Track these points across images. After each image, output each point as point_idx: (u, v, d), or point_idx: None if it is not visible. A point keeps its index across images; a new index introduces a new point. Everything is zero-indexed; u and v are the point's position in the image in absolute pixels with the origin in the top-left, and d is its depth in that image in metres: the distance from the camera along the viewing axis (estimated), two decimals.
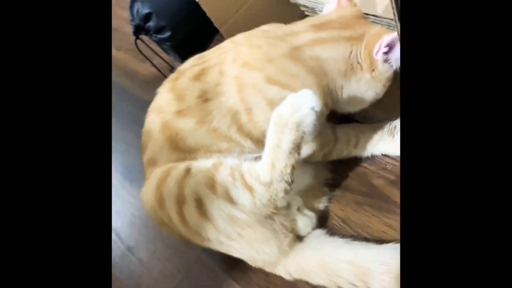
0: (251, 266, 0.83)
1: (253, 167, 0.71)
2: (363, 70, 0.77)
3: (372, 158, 0.85)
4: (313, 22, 0.79)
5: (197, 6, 0.98)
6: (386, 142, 0.83)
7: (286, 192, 0.70)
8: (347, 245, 0.75)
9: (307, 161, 0.85)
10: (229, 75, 0.77)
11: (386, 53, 0.74)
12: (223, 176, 0.70)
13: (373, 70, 0.76)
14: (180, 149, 0.77)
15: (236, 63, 0.77)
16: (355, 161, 0.86)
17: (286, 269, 0.77)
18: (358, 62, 0.77)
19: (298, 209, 0.80)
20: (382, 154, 0.84)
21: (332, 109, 0.82)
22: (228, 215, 0.71)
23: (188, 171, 0.71)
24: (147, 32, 1.19)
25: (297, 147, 0.67)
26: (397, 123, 0.82)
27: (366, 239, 0.78)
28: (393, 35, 0.71)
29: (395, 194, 0.79)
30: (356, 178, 0.85)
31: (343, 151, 0.84)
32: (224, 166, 0.71)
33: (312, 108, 0.65)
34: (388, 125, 0.83)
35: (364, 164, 0.86)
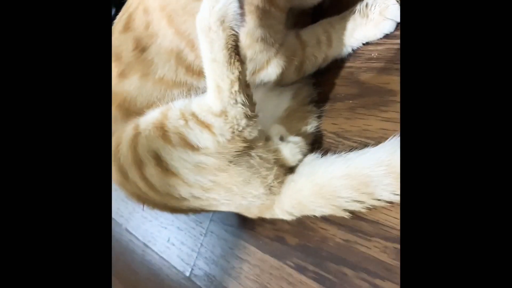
0: (258, 221, 0.71)
1: (203, 100, 0.59)
2: None
3: (354, 53, 0.69)
4: None
5: None
6: (362, 27, 0.67)
7: (248, 117, 0.58)
8: (339, 159, 0.61)
9: (284, 84, 0.72)
10: (154, 9, 0.65)
11: None
12: (173, 121, 0.59)
13: None
14: (133, 113, 0.68)
15: None
16: (337, 65, 0.71)
17: (283, 208, 0.64)
18: None
19: (281, 138, 0.67)
20: (363, 44, 0.68)
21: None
22: (193, 164, 0.60)
23: (136, 129, 0.62)
24: None
25: (235, 53, 0.54)
26: (367, 0, 0.66)
27: (367, 145, 0.63)
28: None
29: (388, 82, 0.64)
30: (342, 83, 0.70)
31: (317, 57, 0.69)
32: (172, 111, 0.60)
33: None
34: (358, 6, 0.67)
35: (348, 64, 0.70)
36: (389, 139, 0.57)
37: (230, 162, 0.61)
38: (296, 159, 0.66)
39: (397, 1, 0.62)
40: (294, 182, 0.63)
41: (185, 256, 0.87)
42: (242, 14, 0.53)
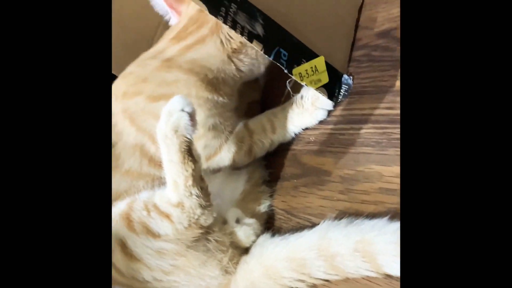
0: None
1: (164, 193, 0.68)
2: (245, 45, 0.73)
3: (296, 137, 0.79)
4: (171, 36, 0.78)
5: None
6: (299, 115, 0.76)
7: (203, 206, 0.66)
8: (283, 241, 0.68)
9: (237, 168, 0.81)
10: (117, 112, 0.76)
11: None
12: (137, 212, 0.67)
13: None
14: None
15: (117, 98, 0.76)
16: (283, 148, 0.80)
17: (238, 287, 0.70)
18: (233, 45, 0.74)
19: (237, 221, 0.75)
20: (303, 129, 0.78)
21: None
22: (155, 250, 0.67)
23: None
24: None
25: (188, 155, 0.63)
26: (303, 92, 0.76)
27: (310, 221, 0.70)
28: None
29: (324, 163, 0.72)
30: (288, 164, 0.79)
31: (263, 142, 0.79)
32: (137, 202, 0.69)
33: (182, 110, 0.62)
34: (294, 98, 0.77)
35: (292, 147, 0.80)
36: (320, 223, 0.64)
37: (188, 247, 0.68)
38: (250, 240, 0.73)
39: (323, 95, 0.71)
40: (247, 264, 0.70)
41: None
42: (193, 125, 0.63)
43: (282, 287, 0.66)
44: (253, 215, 0.77)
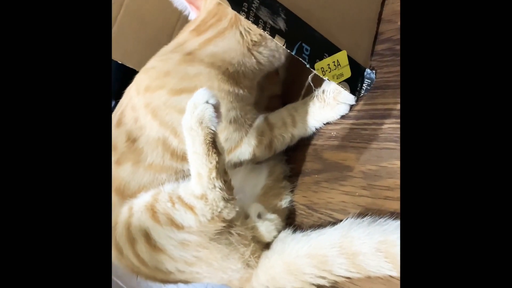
0: None
1: (188, 185, 0.68)
2: (265, 37, 0.73)
3: (318, 132, 0.78)
4: (191, 28, 0.79)
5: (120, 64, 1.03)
6: (320, 110, 0.76)
7: (226, 199, 0.66)
8: (304, 237, 0.68)
9: (258, 163, 0.81)
10: (140, 106, 0.77)
11: None
12: (162, 204, 0.68)
13: None
14: (127, 196, 0.77)
15: (140, 92, 0.77)
16: (304, 143, 0.80)
17: (259, 282, 0.71)
18: (252, 37, 0.73)
19: (259, 216, 0.75)
20: (324, 124, 0.77)
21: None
22: (178, 241, 0.68)
23: (130, 210, 0.71)
24: None
25: (213, 147, 0.63)
26: (324, 86, 0.75)
27: (331, 216, 0.70)
28: None
29: (346, 158, 0.72)
30: (309, 159, 0.79)
31: (284, 137, 0.78)
32: (162, 194, 0.69)
33: (207, 102, 0.62)
34: (316, 92, 0.76)
35: (313, 142, 0.79)
36: (342, 221, 0.64)
37: (211, 239, 0.69)
38: (271, 235, 0.73)
39: (346, 90, 0.71)
40: (268, 259, 0.70)
41: None
42: (218, 116, 0.63)
43: (303, 283, 0.66)
44: (275, 210, 0.77)
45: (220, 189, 0.65)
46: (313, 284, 0.66)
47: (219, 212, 0.66)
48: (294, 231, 0.72)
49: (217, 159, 0.64)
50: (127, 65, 1.07)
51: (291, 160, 0.81)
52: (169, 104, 0.73)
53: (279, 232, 0.74)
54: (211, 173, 0.64)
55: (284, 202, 0.78)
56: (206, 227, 0.67)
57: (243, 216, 0.74)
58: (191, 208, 0.66)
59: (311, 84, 0.73)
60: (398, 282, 0.58)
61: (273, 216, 0.75)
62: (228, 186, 0.66)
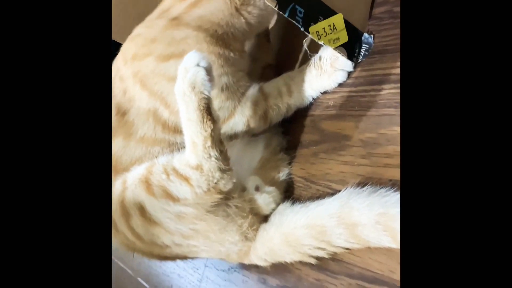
0: (245, 265, 0.77)
1: (182, 156, 0.66)
2: None
3: (315, 101, 0.76)
4: None
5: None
6: (317, 78, 0.73)
7: (222, 170, 0.63)
8: (302, 209, 0.66)
9: (254, 135, 0.78)
10: (128, 76, 0.73)
11: None
12: (157, 176, 0.65)
13: None
14: (119, 170, 0.74)
15: (127, 61, 0.73)
16: (301, 114, 0.77)
17: (258, 255, 0.69)
18: None
19: (257, 188, 0.73)
20: (321, 93, 0.74)
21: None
22: (174, 214, 0.66)
23: (124, 184, 0.69)
24: None
25: (207, 113, 0.60)
26: (321, 53, 0.72)
27: (330, 187, 0.68)
28: None
29: (344, 127, 0.69)
30: (306, 130, 0.76)
31: (279, 107, 0.75)
32: (156, 166, 0.66)
33: (198, 65, 0.59)
34: (312, 60, 0.73)
35: (310, 112, 0.76)
36: (341, 191, 0.62)
37: (208, 211, 0.67)
38: (270, 208, 0.71)
39: (343, 55, 0.67)
40: (266, 232, 0.69)
41: None
42: (210, 80, 0.60)
43: (302, 255, 0.64)
44: (273, 183, 0.74)
45: (216, 159, 0.62)
46: (312, 256, 0.64)
47: (215, 183, 0.64)
48: (293, 203, 0.70)
49: (212, 126, 0.61)
50: (118, 42, 1.04)
51: (288, 132, 0.79)
52: (157, 72, 0.70)
53: (277, 204, 0.72)
54: (206, 142, 0.61)
55: (281, 175, 0.76)
56: (202, 199, 0.65)
57: (240, 189, 0.72)
58: (186, 179, 0.64)
59: (307, 49, 0.70)
60: (399, 253, 0.56)
61: (271, 188, 0.73)
62: (224, 156, 0.64)
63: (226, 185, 0.65)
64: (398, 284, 0.55)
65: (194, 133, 0.61)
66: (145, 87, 0.71)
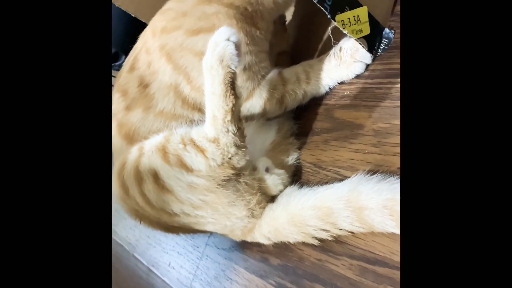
0: (247, 244, 0.78)
1: (201, 128, 0.68)
2: None
3: (330, 92, 0.78)
4: None
5: (133, 18, 1.02)
6: (336, 68, 0.75)
7: (237, 146, 0.66)
8: (310, 191, 0.68)
9: (267, 118, 0.80)
10: (154, 49, 0.75)
11: None
12: (174, 145, 0.67)
13: None
14: (137, 141, 0.75)
15: (155, 34, 0.75)
16: (316, 102, 0.79)
17: (262, 232, 0.71)
18: None
19: (267, 170, 0.75)
20: (338, 83, 0.76)
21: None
22: (187, 183, 0.68)
23: (141, 150, 0.70)
24: None
25: (231, 88, 0.62)
26: (341, 44, 0.74)
27: (339, 174, 0.70)
28: None
29: (357, 117, 0.71)
30: (320, 118, 0.78)
31: (296, 93, 0.77)
32: (174, 135, 0.68)
33: (228, 39, 0.61)
34: (333, 50, 0.75)
35: (324, 101, 0.79)
36: (351, 177, 0.64)
37: (219, 185, 0.68)
38: (278, 189, 0.73)
39: (364, 46, 0.70)
40: (273, 211, 0.70)
41: (184, 279, 0.94)
42: (239, 55, 0.62)
43: (305, 236, 0.66)
44: (282, 166, 0.76)
45: (234, 134, 0.65)
46: (315, 237, 0.66)
47: (229, 158, 0.66)
48: (301, 187, 0.72)
49: (234, 101, 0.63)
50: (140, 19, 1.05)
51: (301, 119, 0.81)
52: (185, 46, 0.72)
53: (285, 187, 0.74)
54: (226, 116, 0.63)
55: (291, 159, 0.77)
56: (215, 172, 0.67)
57: (251, 168, 0.74)
58: (202, 151, 0.66)
59: (331, 36, 0.73)
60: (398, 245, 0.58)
61: (280, 171, 0.75)
62: (241, 133, 0.66)
63: (239, 161, 0.67)
64: (399, 266, 0.57)
65: (216, 106, 0.63)
66: (170, 61, 0.73)
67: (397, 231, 0.58)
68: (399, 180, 0.59)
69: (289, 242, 0.71)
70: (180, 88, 0.74)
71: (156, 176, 0.67)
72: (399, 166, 0.62)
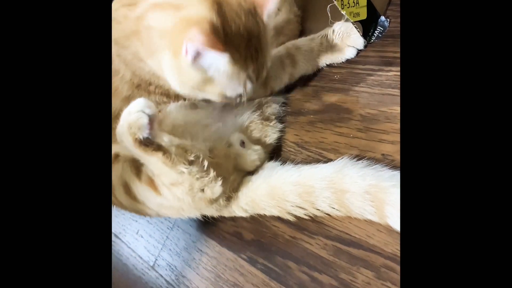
0: (221, 218, 0.78)
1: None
2: None
3: (320, 73, 0.78)
4: None
5: None
6: (327, 50, 0.75)
7: (201, 178, 0.65)
8: (294, 168, 0.68)
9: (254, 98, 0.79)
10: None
11: None
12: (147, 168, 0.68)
13: None
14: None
15: None
16: (305, 82, 0.79)
17: (239, 204, 0.71)
18: None
19: (242, 144, 0.74)
20: (327, 65, 0.76)
21: None
22: (156, 204, 0.71)
23: (117, 157, 0.70)
24: None
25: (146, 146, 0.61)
26: (334, 27, 0.74)
27: (321, 155, 0.70)
28: None
29: (346, 101, 0.71)
30: (307, 99, 0.78)
31: (281, 77, 0.76)
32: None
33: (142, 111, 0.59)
34: (325, 32, 0.75)
35: (314, 82, 0.78)
36: (338, 159, 0.64)
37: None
38: (254, 164, 0.73)
39: (359, 31, 0.70)
40: (252, 182, 0.70)
41: (151, 248, 0.93)
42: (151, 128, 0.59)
43: (282, 211, 0.66)
44: (258, 144, 0.75)
45: (189, 172, 0.63)
46: (291, 214, 0.66)
47: (202, 191, 0.66)
48: (283, 164, 0.72)
49: (159, 153, 0.61)
50: None
51: (288, 98, 0.80)
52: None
53: (261, 163, 0.73)
54: (166, 165, 0.62)
55: (269, 139, 0.77)
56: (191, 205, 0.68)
57: (226, 144, 0.72)
58: (173, 194, 0.66)
59: (329, 14, 0.72)
60: (373, 234, 0.59)
61: (257, 147, 0.74)
62: (197, 165, 0.64)
63: (213, 191, 0.66)
64: (374, 249, 0.58)
65: (150, 165, 0.64)
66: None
67: (375, 218, 0.58)
68: (386, 169, 0.59)
69: (264, 218, 0.71)
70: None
71: (127, 187, 0.69)
72: (383, 152, 0.62)
